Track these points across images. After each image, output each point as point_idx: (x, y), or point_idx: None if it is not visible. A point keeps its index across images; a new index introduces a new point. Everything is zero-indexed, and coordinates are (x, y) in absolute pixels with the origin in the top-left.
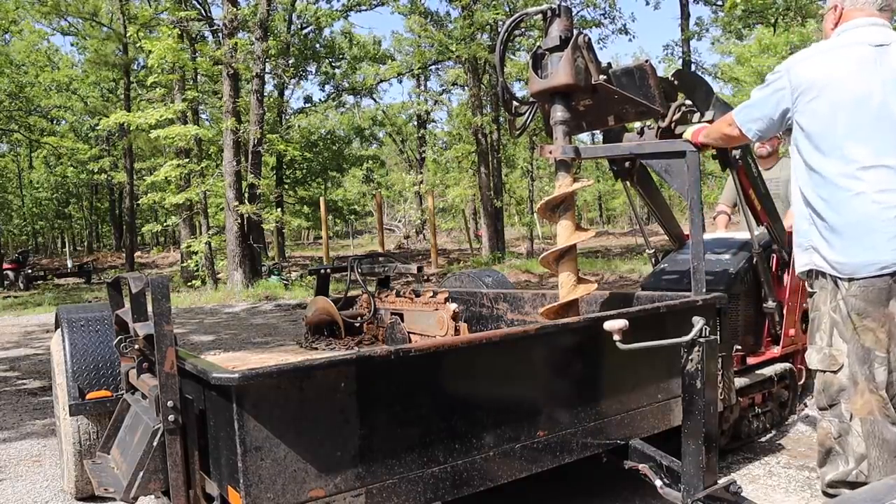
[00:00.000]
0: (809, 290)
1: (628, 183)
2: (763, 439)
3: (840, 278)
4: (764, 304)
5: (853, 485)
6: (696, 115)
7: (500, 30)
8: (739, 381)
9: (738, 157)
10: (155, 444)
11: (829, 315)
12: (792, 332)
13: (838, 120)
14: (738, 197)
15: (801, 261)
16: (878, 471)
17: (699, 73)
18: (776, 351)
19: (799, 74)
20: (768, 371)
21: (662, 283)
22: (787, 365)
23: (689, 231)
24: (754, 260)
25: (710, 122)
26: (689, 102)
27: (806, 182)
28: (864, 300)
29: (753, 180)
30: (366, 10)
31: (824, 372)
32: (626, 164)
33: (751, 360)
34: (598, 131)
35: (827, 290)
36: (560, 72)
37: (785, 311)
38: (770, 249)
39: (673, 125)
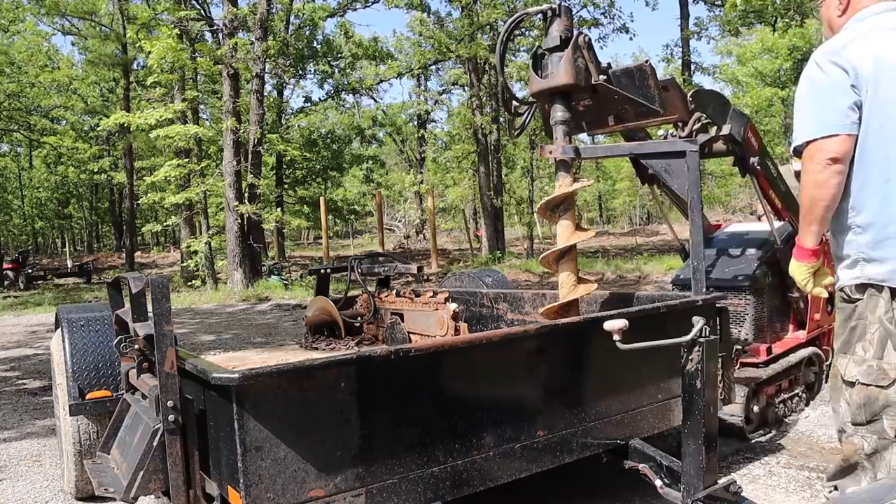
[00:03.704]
0: (846, 298)
1: (654, 187)
2: (763, 439)
3: None
4: (788, 293)
5: None
6: (714, 129)
7: (500, 30)
8: (767, 370)
9: (756, 163)
10: (155, 444)
11: (883, 326)
12: (817, 316)
13: None
14: (758, 197)
15: (849, 275)
16: None
17: (715, 89)
18: (802, 336)
19: (850, 59)
20: (795, 357)
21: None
22: (813, 349)
23: (689, 232)
24: (777, 253)
25: (728, 135)
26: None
27: (855, 185)
28: None
29: (773, 181)
30: (361, 7)
31: (868, 386)
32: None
33: (778, 348)
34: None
35: (880, 298)
36: (560, 72)
37: (809, 297)
38: (792, 241)
39: (694, 134)
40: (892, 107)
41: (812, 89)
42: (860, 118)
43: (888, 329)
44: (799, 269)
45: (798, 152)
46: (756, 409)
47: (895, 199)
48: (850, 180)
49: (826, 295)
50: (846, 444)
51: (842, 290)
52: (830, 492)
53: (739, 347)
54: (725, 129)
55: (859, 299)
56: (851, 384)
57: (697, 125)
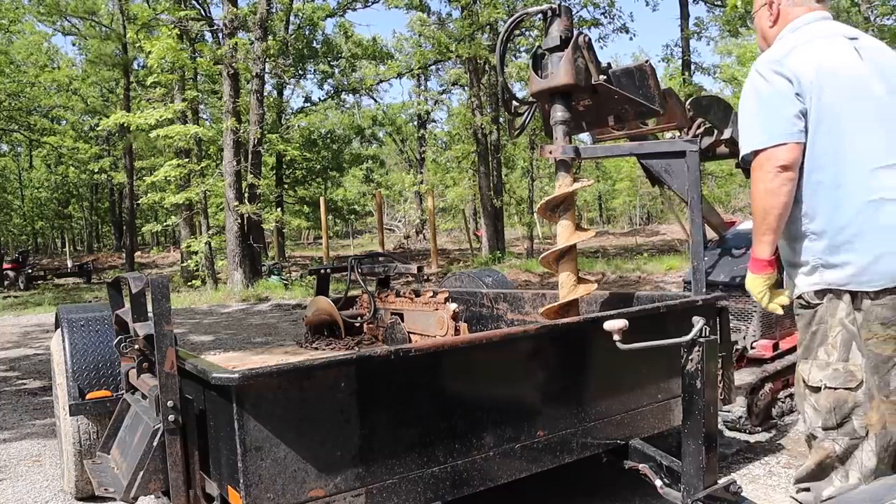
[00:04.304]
0: (805, 304)
1: (666, 188)
2: (763, 439)
3: (864, 292)
4: None
5: None
6: (716, 132)
7: (500, 30)
8: (775, 366)
9: None
10: (155, 444)
11: (846, 328)
12: None
13: (845, 116)
14: None
15: (808, 281)
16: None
17: (715, 93)
18: None
19: (793, 68)
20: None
21: (709, 277)
22: None
23: (689, 232)
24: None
25: (730, 138)
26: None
27: (808, 192)
28: (893, 309)
29: None
30: (361, 7)
31: (835, 389)
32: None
33: (786, 344)
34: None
35: (840, 302)
36: (560, 72)
37: None
38: None
39: (699, 138)
40: (838, 112)
41: (757, 99)
42: (806, 126)
43: (851, 331)
44: (755, 282)
45: (747, 162)
46: (760, 404)
47: (848, 204)
48: (801, 187)
49: (781, 312)
50: (818, 450)
51: (800, 296)
52: (798, 491)
53: (739, 348)
54: (727, 133)
55: (819, 304)
56: (817, 389)
57: (700, 130)
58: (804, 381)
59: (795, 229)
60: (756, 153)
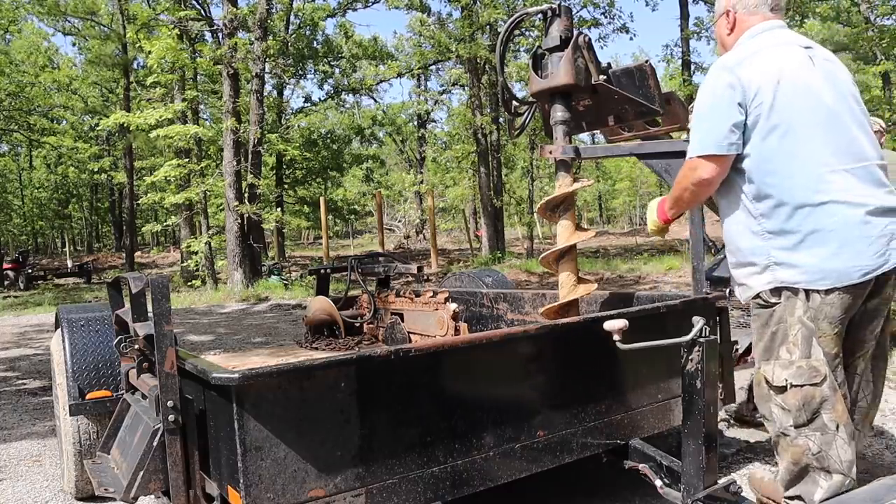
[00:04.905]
0: (763, 303)
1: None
2: (763, 439)
3: (816, 290)
4: None
5: None
6: None
7: (500, 30)
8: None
9: None
10: (155, 444)
11: (804, 325)
12: None
13: (798, 121)
14: None
15: (762, 280)
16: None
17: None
18: None
19: (741, 77)
20: None
21: (717, 274)
22: None
23: (689, 231)
24: None
25: None
26: None
27: (761, 193)
28: (841, 308)
29: None
30: (361, 8)
31: (802, 386)
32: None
33: None
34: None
35: (797, 300)
36: (560, 72)
37: None
38: None
39: None
40: (792, 118)
41: (704, 106)
42: (745, 137)
43: (809, 327)
44: (653, 221)
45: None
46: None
47: (800, 206)
48: (758, 188)
49: (651, 230)
50: (792, 448)
51: (757, 296)
52: (793, 498)
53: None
54: None
55: (777, 303)
56: (782, 389)
57: None
58: (768, 382)
59: (750, 227)
60: (695, 158)
